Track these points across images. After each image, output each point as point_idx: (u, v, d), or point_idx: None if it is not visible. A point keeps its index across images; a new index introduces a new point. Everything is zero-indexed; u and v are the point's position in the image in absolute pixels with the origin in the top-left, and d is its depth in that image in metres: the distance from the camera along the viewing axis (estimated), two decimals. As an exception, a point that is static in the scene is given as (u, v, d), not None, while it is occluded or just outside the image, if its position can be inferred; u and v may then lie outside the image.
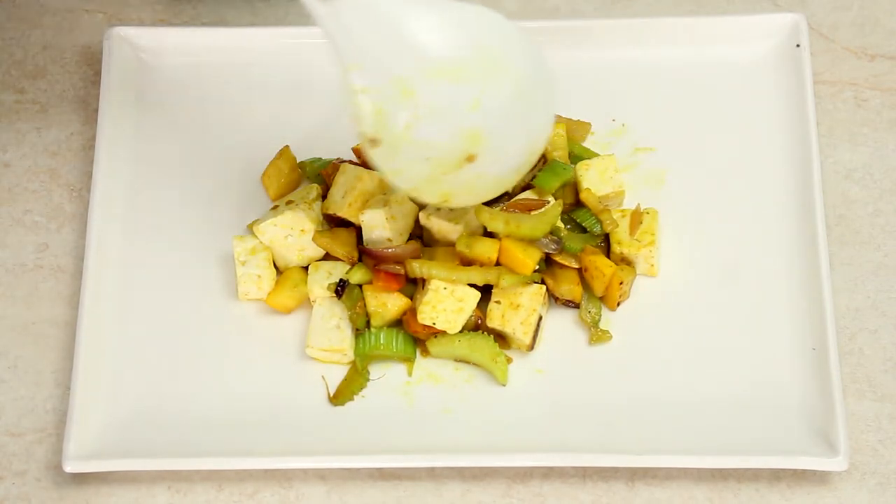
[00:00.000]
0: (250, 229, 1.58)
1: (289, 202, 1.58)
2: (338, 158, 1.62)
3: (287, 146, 1.64)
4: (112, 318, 1.56)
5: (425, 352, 1.55)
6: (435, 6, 1.39)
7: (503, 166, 1.46)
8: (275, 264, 1.57)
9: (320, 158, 1.63)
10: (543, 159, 1.60)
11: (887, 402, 1.53)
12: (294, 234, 1.55)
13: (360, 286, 1.55)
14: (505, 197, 1.58)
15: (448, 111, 1.39)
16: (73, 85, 1.71)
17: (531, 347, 1.54)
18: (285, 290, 1.55)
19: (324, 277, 1.55)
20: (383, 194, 1.56)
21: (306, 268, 1.57)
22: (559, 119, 1.64)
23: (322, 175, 1.61)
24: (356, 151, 1.63)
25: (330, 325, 1.53)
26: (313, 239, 1.55)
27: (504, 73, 1.41)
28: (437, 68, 1.38)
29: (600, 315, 1.56)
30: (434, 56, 1.38)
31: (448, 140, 1.41)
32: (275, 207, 1.59)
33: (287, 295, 1.56)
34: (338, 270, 1.55)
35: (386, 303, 1.53)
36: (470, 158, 1.42)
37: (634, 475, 1.50)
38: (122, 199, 1.62)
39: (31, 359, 1.57)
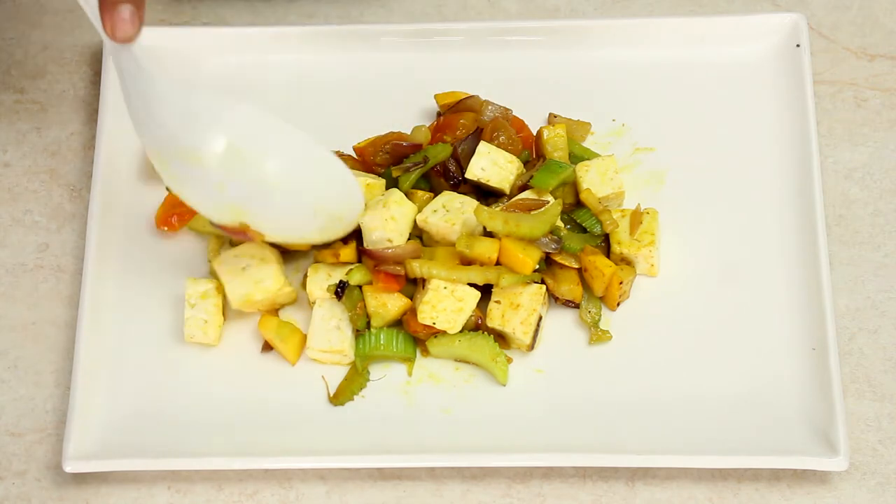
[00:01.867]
0: (210, 263, 1.58)
1: None
2: (337, 152, 1.62)
3: (287, 146, 1.64)
4: (112, 318, 1.56)
5: (425, 352, 1.55)
6: (203, 97, 1.46)
7: (281, 229, 1.52)
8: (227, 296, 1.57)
9: None
10: (543, 159, 1.60)
11: (887, 402, 1.53)
12: (253, 263, 1.54)
13: (360, 287, 1.55)
14: (504, 197, 1.59)
15: (197, 186, 1.48)
16: (73, 85, 1.71)
17: (531, 347, 1.54)
18: (294, 348, 1.55)
19: (323, 279, 1.55)
20: (382, 196, 1.56)
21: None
22: (559, 119, 1.64)
23: None
24: (357, 150, 1.63)
25: (330, 326, 1.53)
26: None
27: (253, 166, 1.47)
28: (182, 152, 1.45)
29: (600, 315, 1.56)
30: (180, 141, 1.45)
31: (212, 207, 1.49)
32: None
33: (293, 352, 1.56)
34: (337, 272, 1.55)
35: (386, 303, 1.53)
36: (243, 225, 1.49)
37: (634, 475, 1.50)
38: (122, 199, 1.62)
39: (31, 359, 1.57)
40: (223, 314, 1.56)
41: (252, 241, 1.53)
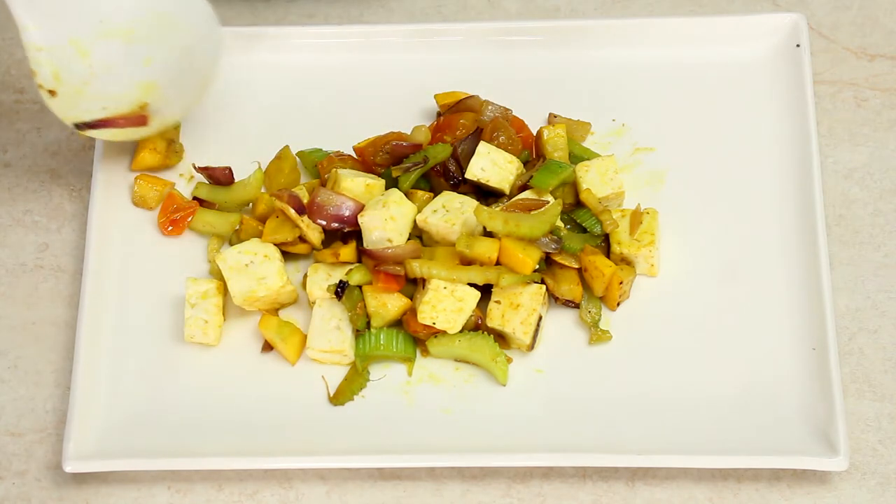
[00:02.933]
0: (211, 262, 1.58)
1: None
2: (337, 152, 1.62)
3: (287, 146, 1.64)
4: (112, 318, 1.57)
5: (425, 352, 1.55)
6: None
7: (172, 109, 1.56)
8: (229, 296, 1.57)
9: (320, 149, 1.63)
10: (543, 159, 1.60)
11: (887, 402, 1.53)
12: (257, 259, 1.54)
13: (359, 287, 1.55)
14: (504, 197, 1.59)
15: (122, 67, 1.49)
16: (73, 85, 1.72)
17: (531, 347, 1.54)
18: (294, 348, 1.55)
19: (323, 279, 1.55)
20: (382, 196, 1.56)
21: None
22: (559, 119, 1.64)
23: (317, 167, 1.61)
24: (357, 150, 1.63)
25: (330, 326, 1.53)
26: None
27: (173, 32, 1.50)
28: (112, 30, 1.47)
29: (600, 315, 1.56)
30: (109, 19, 1.47)
31: (123, 92, 1.51)
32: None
33: (293, 352, 1.55)
34: (337, 272, 1.55)
35: (386, 303, 1.53)
36: (142, 107, 1.52)
37: (634, 475, 1.50)
38: (122, 199, 1.62)
39: (31, 359, 1.57)
40: (223, 314, 1.56)
41: (139, 128, 1.54)
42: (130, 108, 1.52)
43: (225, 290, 1.55)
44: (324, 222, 1.55)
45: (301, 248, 1.57)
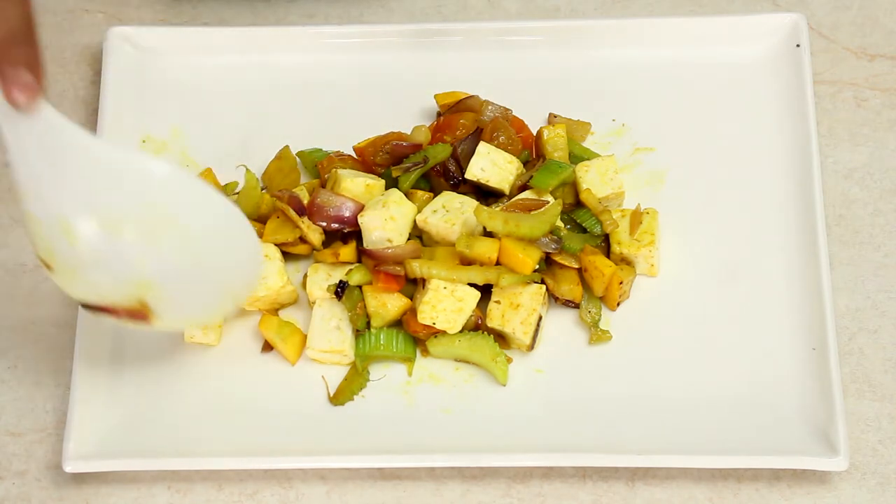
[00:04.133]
0: None
1: None
2: (337, 152, 1.62)
3: (287, 146, 1.64)
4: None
5: (425, 352, 1.55)
6: (122, 157, 1.34)
7: (187, 311, 1.43)
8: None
9: (320, 149, 1.63)
10: (543, 159, 1.60)
11: (887, 402, 1.53)
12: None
13: (360, 287, 1.54)
14: (504, 197, 1.58)
15: (111, 260, 1.36)
16: (73, 85, 1.71)
17: (531, 347, 1.54)
18: (294, 348, 1.55)
19: (323, 279, 1.55)
20: (382, 196, 1.56)
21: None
22: (559, 119, 1.64)
23: (317, 167, 1.61)
24: (357, 150, 1.63)
25: (330, 326, 1.53)
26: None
27: (173, 231, 1.36)
28: (103, 220, 1.34)
29: (600, 315, 1.56)
30: (102, 208, 1.34)
31: (116, 284, 1.38)
32: None
33: (293, 352, 1.55)
34: (337, 272, 1.55)
35: (386, 303, 1.53)
36: (142, 304, 1.39)
37: (634, 475, 1.50)
38: (122, 199, 1.62)
39: (31, 359, 1.57)
40: None
41: (140, 324, 1.41)
42: (128, 301, 1.39)
43: None
44: (324, 223, 1.55)
45: (301, 249, 1.57)
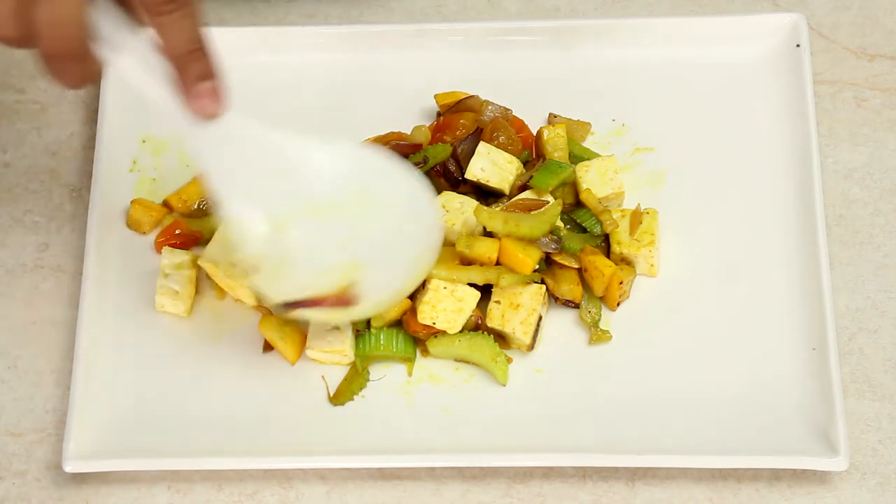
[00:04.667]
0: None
1: None
2: None
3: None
4: (112, 318, 1.56)
5: (425, 352, 1.55)
6: (311, 144, 1.38)
7: (384, 289, 1.45)
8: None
9: None
10: (543, 159, 1.60)
11: (887, 402, 1.53)
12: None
13: None
14: (504, 197, 1.59)
15: (320, 247, 1.39)
16: (73, 85, 1.71)
17: (531, 347, 1.54)
18: (294, 348, 1.55)
19: None
20: None
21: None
22: (559, 119, 1.64)
23: None
24: (356, 151, 1.63)
25: (329, 326, 1.53)
26: None
27: (374, 209, 1.40)
28: (308, 207, 1.37)
29: (600, 315, 1.56)
30: (305, 195, 1.37)
31: (323, 272, 1.40)
32: None
33: (293, 352, 1.55)
34: None
35: (386, 303, 1.54)
36: (349, 286, 1.41)
37: (634, 475, 1.50)
38: (122, 199, 1.62)
39: (31, 359, 1.57)
40: (195, 287, 1.56)
41: (340, 308, 1.43)
42: (333, 288, 1.40)
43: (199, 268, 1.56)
44: None
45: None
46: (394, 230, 1.42)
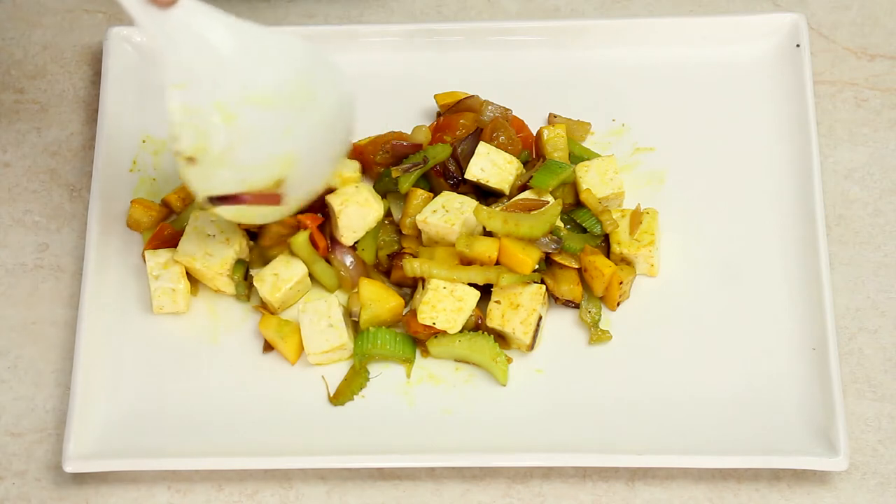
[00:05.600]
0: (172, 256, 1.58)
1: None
2: None
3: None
4: (112, 318, 1.57)
5: (425, 352, 1.55)
6: (256, 34, 1.41)
7: (304, 188, 1.49)
8: (192, 278, 1.57)
9: None
10: (543, 159, 1.60)
11: (887, 402, 1.53)
12: (217, 221, 1.56)
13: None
14: (504, 197, 1.58)
15: (264, 137, 1.42)
16: (73, 85, 1.71)
17: (531, 347, 1.54)
18: (294, 348, 1.55)
19: (272, 282, 1.55)
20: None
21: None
22: (559, 119, 1.64)
23: None
24: (357, 149, 1.63)
25: (322, 326, 1.53)
26: None
27: (311, 102, 1.44)
28: (258, 95, 1.40)
29: (600, 315, 1.56)
30: (254, 84, 1.40)
31: (262, 164, 1.43)
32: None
33: (293, 352, 1.55)
34: (280, 266, 1.56)
35: (378, 299, 1.54)
36: (278, 183, 1.44)
37: (634, 475, 1.50)
38: (122, 200, 1.62)
39: (31, 359, 1.57)
40: (190, 283, 1.57)
41: (265, 206, 1.46)
42: (266, 183, 1.44)
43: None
44: None
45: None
46: (322, 127, 1.45)
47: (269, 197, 1.45)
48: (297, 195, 1.49)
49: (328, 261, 1.56)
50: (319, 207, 1.57)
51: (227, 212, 1.47)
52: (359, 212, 1.55)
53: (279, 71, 1.41)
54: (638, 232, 1.56)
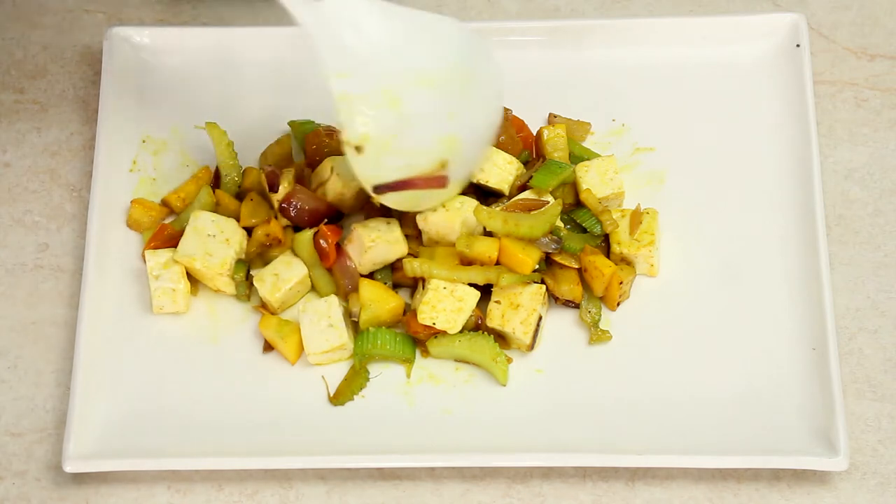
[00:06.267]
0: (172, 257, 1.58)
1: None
2: (327, 126, 1.61)
3: (287, 135, 1.64)
4: (112, 318, 1.56)
5: (425, 352, 1.55)
6: (415, 18, 1.42)
7: (464, 169, 1.50)
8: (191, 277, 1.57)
9: (312, 121, 1.63)
10: (543, 159, 1.60)
11: (887, 402, 1.53)
12: (217, 221, 1.56)
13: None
14: (504, 197, 1.58)
15: (430, 119, 1.43)
16: (73, 85, 1.71)
17: (531, 347, 1.54)
18: (294, 348, 1.55)
19: (272, 282, 1.55)
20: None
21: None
22: (559, 119, 1.64)
23: (304, 140, 1.61)
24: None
25: (322, 326, 1.53)
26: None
27: (472, 81, 1.45)
28: (423, 78, 1.41)
29: (600, 315, 1.56)
30: (419, 66, 1.41)
31: (428, 147, 1.44)
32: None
33: (293, 352, 1.55)
34: (280, 267, 1.55)
35: (378, 299, 1.53)
36: (443, 165, 1.45)
37: (634, 475, 1.50)
38: (122, 200, 1.62)
39: (31, 359, 1.57)
40: (189, 283, 1.57)
41: (432, 189, 1.47)
42: (431, 166, 1.45)
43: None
44: (292, 217, 1.57)
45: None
46: (481, 106, 1.46)
47: (436, 179, 1.45)
48: (459, 176, 1.50)
49: (329, 269, 1.56)
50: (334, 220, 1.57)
51: (393, 199, 1.48)
52: (387, 249, 1.54)
53: (439, 52, 1.42)
54: (638, 232, 1.56)
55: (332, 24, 1.38)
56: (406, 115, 1.42)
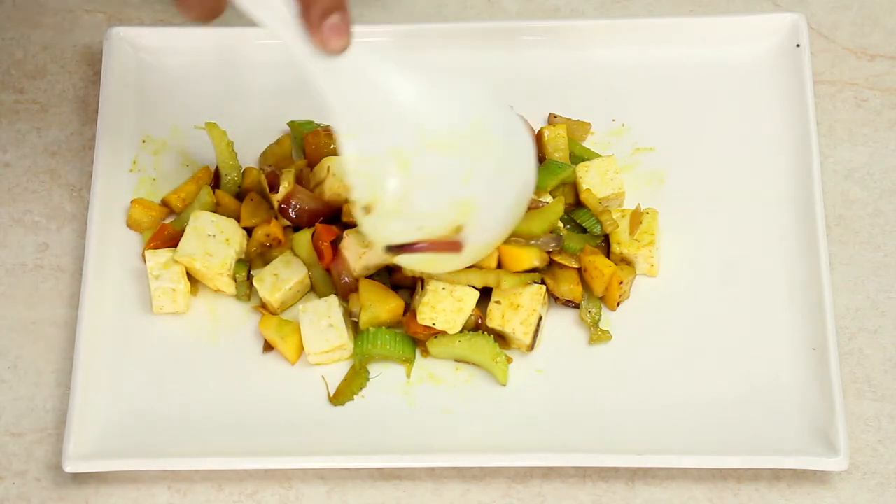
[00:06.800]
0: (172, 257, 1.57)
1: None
2: (325, 127, 1.61)
3: (287, 135, 1.64)
4: (112, 318, 1.56)
5: (425, 352, 1.55)
6: (431, 79, 1.39)
7: (485, 236, 1.47)
8: (191, 277, 1.57)
9: (312, 122, 1.63)
10: (542, 159, 1.60)
11: (887, 402, 1.53)
12: (218, 221, 1.56)
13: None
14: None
15: (441, 183, 1.40)
16: (73, 85, 1.71)
17: (531, 347, 1.54)
18: (294, 348, 1.55)
19: (271, 282, 1.55)
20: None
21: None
22: (559, 119, 1.64)
23: (303, 140, 1.61)
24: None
25: (322, 326, 1.53)
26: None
27: (491, 147, 1.42)
28: (434, 141, 1.38)
29: (600, 315, 1.56)
30: (431, 129, 1.39)
31: (440, 211, 1.41)
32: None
33: (293, 352, 1.55)
34: (280, 267, 1.55)
35: (378, 300, 1.53)
36: (458, 229, 1.42)
37: (634, 475, 1.50)
38: (122, 200, 1.62)
39: (31, 359, 1.57)
40: (190, 283, 1.57)
41: (446, 254, 1.44)
42: (445, 230, 1.41)
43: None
44: (292, 218, 1.56)
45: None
46: (503, 173, 1.43)
47: (449, 244, 1.42)
48: (479, 243, 1.46)
49: (327, 270, 1.56)
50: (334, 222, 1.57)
51: (407, 260, 1.46)
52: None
53: (455, 114, 1.39)
54: (638, 232, 1.56)
55: (343, 84, 1.35)
56: (416, 177, 1.39)
